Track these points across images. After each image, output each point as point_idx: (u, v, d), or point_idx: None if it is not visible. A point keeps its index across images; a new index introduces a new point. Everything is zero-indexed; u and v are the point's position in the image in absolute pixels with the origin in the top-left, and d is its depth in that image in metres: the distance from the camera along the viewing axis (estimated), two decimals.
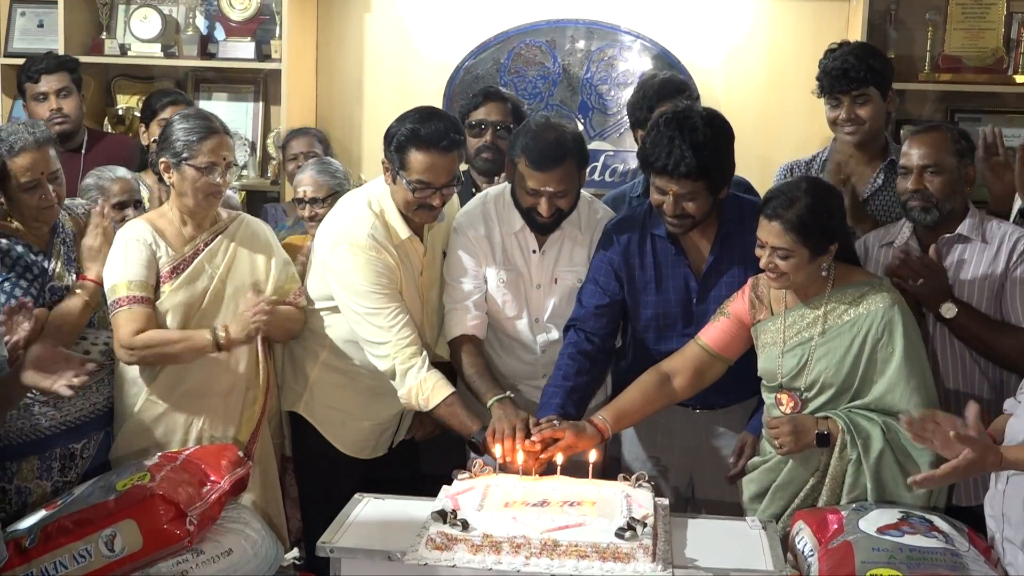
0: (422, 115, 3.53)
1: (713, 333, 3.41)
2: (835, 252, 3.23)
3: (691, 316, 3.53)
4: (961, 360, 3.51)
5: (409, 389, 3.50)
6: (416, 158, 3.46)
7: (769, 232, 3.19)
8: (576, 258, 3.68)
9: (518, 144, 3.52)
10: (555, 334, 3.69)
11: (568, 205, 3.56)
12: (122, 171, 4.04)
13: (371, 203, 3.61)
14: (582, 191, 3.68)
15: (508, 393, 3.52)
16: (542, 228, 3.60)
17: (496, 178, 4.16)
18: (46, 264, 3.54)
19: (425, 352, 3.54)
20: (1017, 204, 3.78)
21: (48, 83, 4.60)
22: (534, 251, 3.67)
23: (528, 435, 3.31)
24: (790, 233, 3.15)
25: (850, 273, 3.28)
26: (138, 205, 3.99)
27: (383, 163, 3.57)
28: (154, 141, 3.97)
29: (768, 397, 3.37)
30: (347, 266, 3.54)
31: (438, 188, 3.49)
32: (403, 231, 3.58)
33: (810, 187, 3.23)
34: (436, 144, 3.45)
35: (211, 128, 3.52)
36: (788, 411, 3.27)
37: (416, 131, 3.46)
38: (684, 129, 3.28)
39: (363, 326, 3.55)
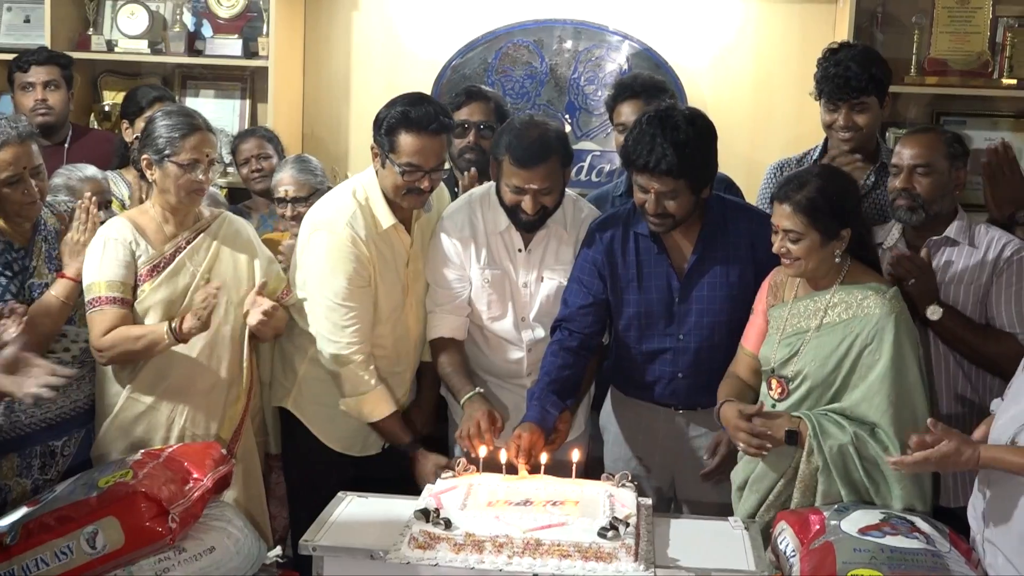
0: (411, 99, 3.57)
1: (750, 336, 3.45)
2: (849, 242, 3.23)
3: (672, 316, 3.54)
4: (945, 363, 3.53)
5: (348, 399, 3.61)
6: (406, 141, 3.49)
7: (780, 214, 3.21)
8: (562, 256, 3.69)
9: (502, 142, 3.54)
10: (541, 332, 3.70)
11: (553, 203, 3.58)
12: (91, 170, 4.03)
13: (356, 192, 3.63)
14: (567, 190, 3.70)
15: (478, 389, 3.58)
16: (527, 226, 3.61)
17: (466, 173, 4.15)
18: (27, 261, 3.52)
19: (373, 366, 3.60)
20: None
21: (37, 74, 4.62)
22: (520, 250, 3.67)
23: (492, 429, 3.42)
24: (799, 215, 3.17)
25: (862, 274, 3.28)
26: (108, 206, 3.97)
27: (372, 148, 3.61)
28: (137, 137, 3.96)
29: (763, 383, 3.40)
30: (320, 252, 3.58)
31: (427, 171, 3.52)
32: (388, 219, 3.60)
33: (822, 171, 3.29)
34: (426, 127, 3.49)
35: (194, 125, 3.51)
36: (776, 396, 3.30)
37: (407, 114, 3.50)
38: (666, 127, 3.30)
39: (319, 318, 3.60)
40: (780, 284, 3.41)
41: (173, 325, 3.42)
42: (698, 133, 3.36)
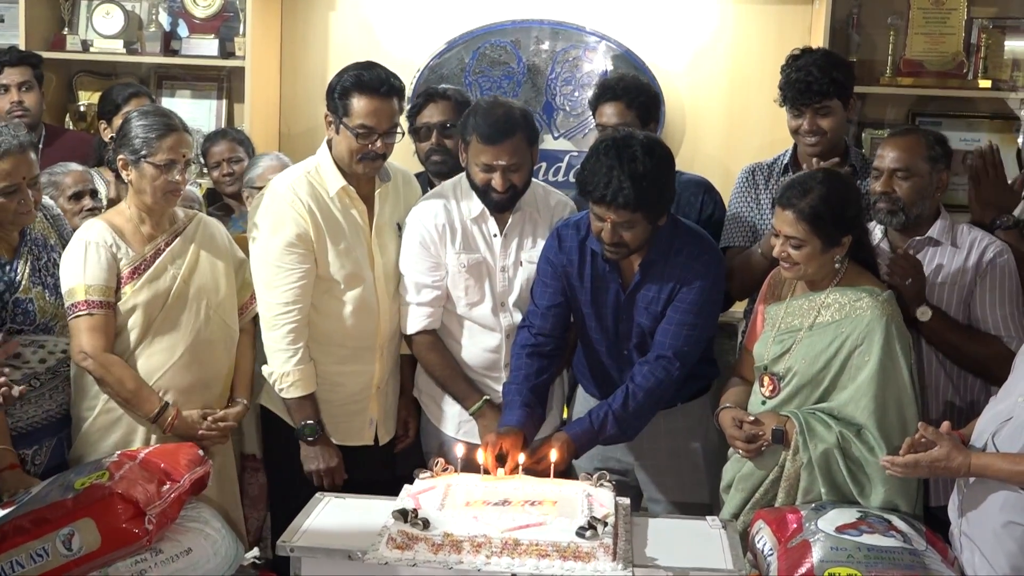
0: (362, 65, 3.65)
1: (752, 337, 3.48)
2: (850, 247, 3.25)
3: (619, 331, 3.57)
4: (930, 367, 3.53)
5: (272, 371, 3.64)
6: (359, 103, 3.56)
7: (783, 221, 3.22)
8: (539, 239, 3.71)
9: (469, 123, 3.58)
10: (520, 317, 3.71)
11: (521, 181, 3.60)
12: (73, 164, 4.05)
13: (307, 163, 3.73)
14: (535, 180, 3.74)
15: (486, 397, 3.64)
16: (499, 206, 3.63)
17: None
18: (12, 275, 3.48)
19: (301, 344, 3.62)
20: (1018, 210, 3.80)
21: (10, 76, 4.59)
22: (495, 235, 3.69)
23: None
24: (802, 223, 3.18)
25: (859, 276, 3.29)
26: (94, 195, 3.99)
27: (326, 117, 3.66)
28: (112, 138, 3.95)
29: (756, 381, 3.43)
30: (261, 213, 3.65)
31: (380, 134, 3.57)
32: (336, 183, 3.64)
33: (825, 178, 3.27)
34: (377, 89, 3.56)
35: (170, 125, 3.50)
36: (767, 394, 3.33)
37: (359, 77, 3.58)
38: (623, 159, 3.25)
39: (256, 278, 3.66)
40: (778, 283, 3.44)
41: (165, 415, 3.50)
42: (656, 164, 3.29)
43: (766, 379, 3.34)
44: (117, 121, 4.31)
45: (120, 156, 3.51)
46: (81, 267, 3.46)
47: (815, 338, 3.25)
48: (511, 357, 3.62)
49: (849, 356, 3.20)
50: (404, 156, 4.23)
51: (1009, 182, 3.83)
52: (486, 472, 3.22)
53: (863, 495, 3.17)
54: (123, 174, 3.54)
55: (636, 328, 3.53)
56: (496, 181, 3.55)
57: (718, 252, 3.64)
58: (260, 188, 4.12)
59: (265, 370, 3.67)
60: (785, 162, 4.00)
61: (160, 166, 3.46)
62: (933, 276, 3.50)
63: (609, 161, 3.26)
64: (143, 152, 3.46)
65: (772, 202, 3.36)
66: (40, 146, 4.60)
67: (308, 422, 3.65)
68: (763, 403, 3.35)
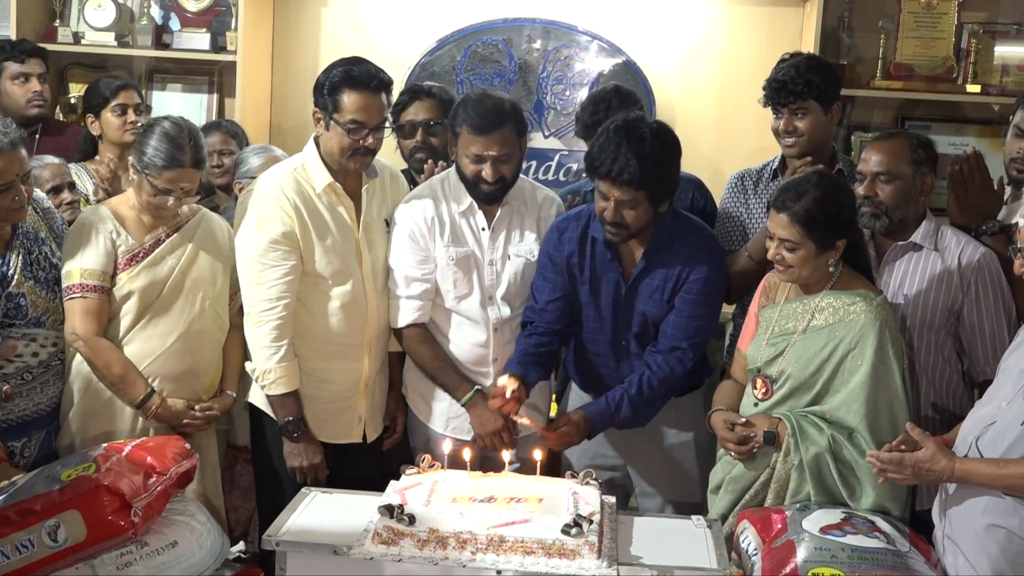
0: (350, 60, 3.65)
1: (745, 338, 3.49)
2: (844, 251, 3.26)
3: (619, 321, 3.59)
4: (941, 374, 3.54)
5: (256, 367, 3.63)
6: (350, 98, 3.56)
7: (777, 224, 3.23)
8: (526, 234, 3.74)
9: (459, 115, 3.60)
10: (508, 311, 3.72)
11: (511, 172, 3.62)
12: (49, 158, 4.05)
13: (294, 160, 3.73)
14: (523, 177, 3.77)
15: (477, 387, 3.63)
16: (488, 197, 3.65)
17: (426, 166, 4.10)
18: (5, 268, 3.48)
19: (286, 341, 3.60)
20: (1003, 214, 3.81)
21: (31, 66, 4.60)
22: (484, 229, 3.70)
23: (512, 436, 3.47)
24: (796, 225, 3.19)
25: (852, 281, 3.30)
26: (72, 188, 4.02)
27: (314, 114, 3.65)
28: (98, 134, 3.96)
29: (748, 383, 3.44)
30: (246, 209, 3.63)
31: (371, 129, 3.58)
32: (323, 179, 3.63)
33: (820, 181, 3.28)
34: (367, 84, 3.57)
35: (177, 160, 3.50)
36: (759, 396, 3.33)
37: (349, 72, 3.58)
38: (632, 138, 3.32)
39: (241, 275, 3.65)
40: (773, 286, 3.45)
41: (149, 403, 3.55)
42: (663, 147, 3.37)
43: (759, 381, 3.35)
44: (105, 114, 4.33)
45: (133, 156, 3.57)
46: (79, 250, 3.52)
47: (808, 341, 3.26)
48: (515, 347, 3.65)
49: (842, 360, 3.20)
50: (386, 153, 4.24)
51: (995, 187, 3.84)
52: (473, 468, 3.23)
53: (853, 498, 3.18)
54: (131, 169, 3.59)
55: (638, 317, 3.55)
56: (486, 172, 3.56)
57: (719, 243, 3.70)
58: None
59: (248, 366, 3.67)
60: (774, 167, 4.01)
61: (156, 188, 3.52)
62: (915, 281, 3.50)
63: (618, 139, 3.33)
64: (146, 171, 3.52)
65: (767, 205, 3.37)
66: (37, 136, 4.61)
67: (290, 418, 3.64)
68: (755, 405, 3.36)
